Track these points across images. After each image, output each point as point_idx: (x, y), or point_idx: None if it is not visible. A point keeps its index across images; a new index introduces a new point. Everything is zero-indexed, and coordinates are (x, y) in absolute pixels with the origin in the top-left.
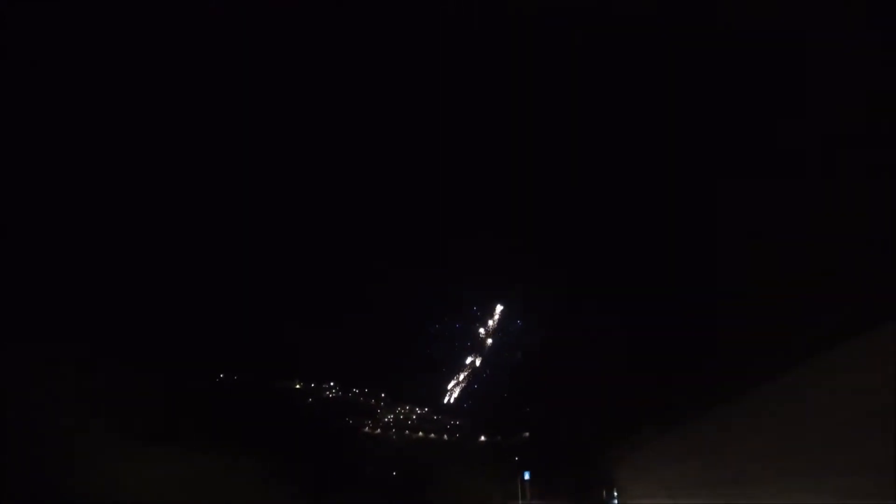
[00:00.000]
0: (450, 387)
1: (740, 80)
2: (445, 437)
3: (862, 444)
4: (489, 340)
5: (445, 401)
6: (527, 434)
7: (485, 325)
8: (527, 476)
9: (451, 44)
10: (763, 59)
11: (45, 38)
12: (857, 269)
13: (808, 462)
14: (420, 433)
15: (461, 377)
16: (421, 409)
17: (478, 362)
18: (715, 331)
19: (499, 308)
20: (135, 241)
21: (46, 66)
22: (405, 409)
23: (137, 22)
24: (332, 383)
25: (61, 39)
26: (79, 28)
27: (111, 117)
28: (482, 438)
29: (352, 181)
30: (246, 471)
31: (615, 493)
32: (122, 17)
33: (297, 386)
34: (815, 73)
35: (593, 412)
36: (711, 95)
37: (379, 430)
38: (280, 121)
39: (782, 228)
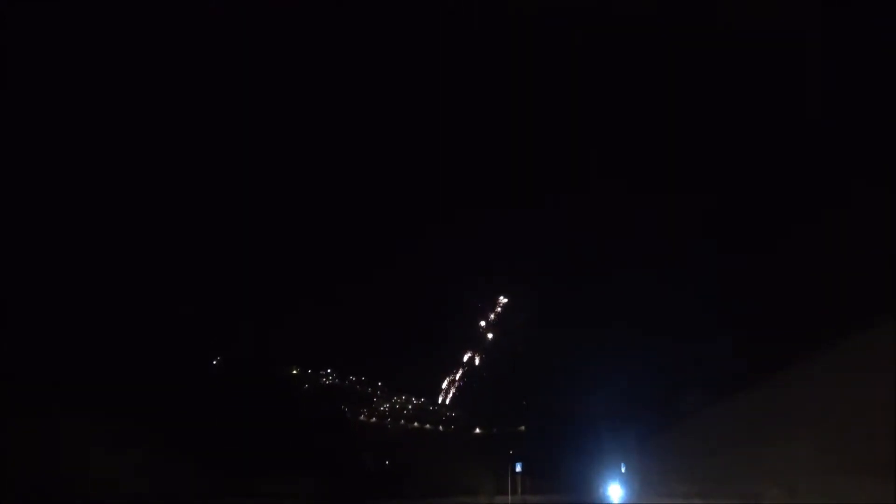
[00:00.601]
0: (448, 378)
1: (740, 78)
2: (441, 428)
3: (863, 444)
4: (490, 333)
5: (443, 391)
6: (522, 427)
7: (486, 317)
8: (518, 468)
9: (450, 43)
10: (764, 59)
11: (45, 38)
12: (854, 271)
13: (810, 462)
14: (416, 423)
15: (460, 368)
16: (418, 399)
17: (477, 355)
18: (715, 330)
19: (501, 301)
20: (132, 229)
21: (46, 67)
22: (402, 398)
23: (137, 23)
24: (329, 370)
25: (61, 40)
26: (79, 29)
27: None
28: (477, 430)
29: (358, 172)
30: (240, 456)
31: (608, 489)
32: (122, 17)
33: (295, 372)
34: (814, 73)
35: (590, 407)
36: (711, 95)
37: (374, 419)
38: (286, 119)
39: (780, 231)
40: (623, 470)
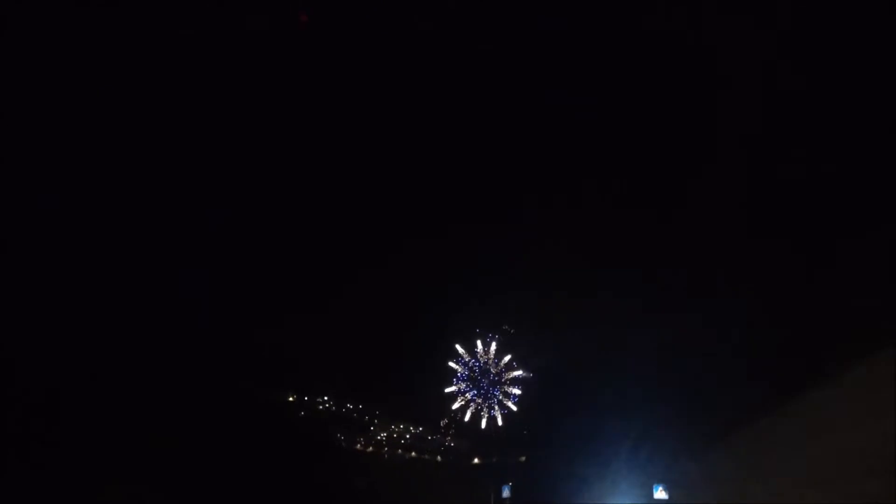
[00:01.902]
0: (450, 410)
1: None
2: (439, 457)
3: (866, 451)
4: (493, 360)
5: (443, 420)
6: (523, 458)
7: (489, 343)
8: (506, 492)
9: (451, 52)
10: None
11: (45, 38)
12: (860, 292)
13: (817, 467)
14: (413, 453)
15: (461, 396)
16: (416, 427)
17: (480, 381)
18: (717, 345)
19: (505, 328)
20: (125, 245)
21: (48, 66)
22: (400, 426)
23: (137, 22)
24: (325, 397)
25: (62, 40)
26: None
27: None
28: (476, 461)
29: (361, 196)
30: (236, 484)
31: None
32: (124, 17)
33: (291, 399)
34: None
35: (594, 434)
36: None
37: (371, 448)
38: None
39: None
40: (660, 494)
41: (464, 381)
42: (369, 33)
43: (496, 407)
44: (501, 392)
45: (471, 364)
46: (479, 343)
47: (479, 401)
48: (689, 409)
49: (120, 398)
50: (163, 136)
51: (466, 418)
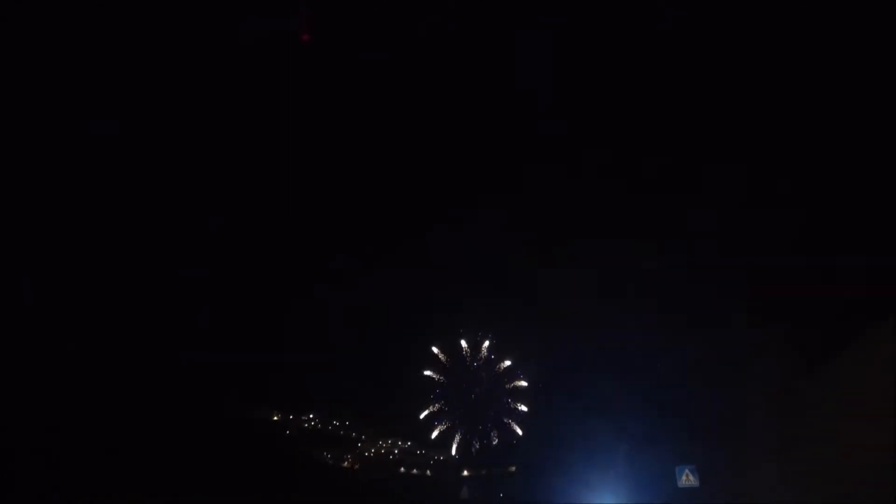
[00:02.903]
0: (437, 423)
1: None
2: (428, 472)
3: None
4: (481, 370)
5: (432, 434)
6: (513, 468)
7: (478, 353)
8: (465, 493)
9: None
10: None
11: (46, 38)
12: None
13: (816, 465)
14: (402, 468)
15: (449, 410)
16: (403, 442)
17: (468, 393)
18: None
19: (493, 337)
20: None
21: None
22: (388, 442)
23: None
24: (311, 415)
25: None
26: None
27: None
28: (465, 472)
29: (344, 214)
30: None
31: None
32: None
33: (276, 417)
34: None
35: (584, 444)
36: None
37: (358, 466)
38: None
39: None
40: (687, 480)
41: (445, 397)
42: (365, 35)
43: (493, 430)
44: (498, 407)
45: (457, 371)
46: (463, 343)
47: (472, 422)
48: (689, 408)
49: (93, 419)
50: (160, 136)
51: (453, 450)
